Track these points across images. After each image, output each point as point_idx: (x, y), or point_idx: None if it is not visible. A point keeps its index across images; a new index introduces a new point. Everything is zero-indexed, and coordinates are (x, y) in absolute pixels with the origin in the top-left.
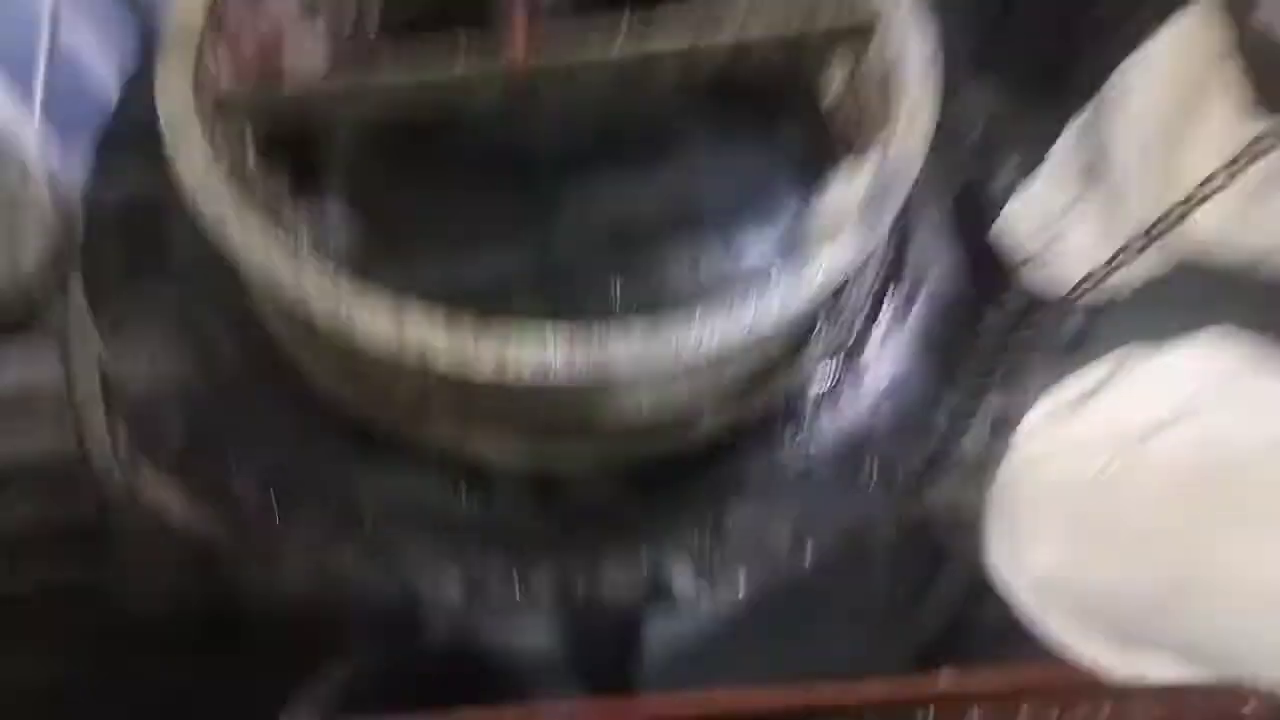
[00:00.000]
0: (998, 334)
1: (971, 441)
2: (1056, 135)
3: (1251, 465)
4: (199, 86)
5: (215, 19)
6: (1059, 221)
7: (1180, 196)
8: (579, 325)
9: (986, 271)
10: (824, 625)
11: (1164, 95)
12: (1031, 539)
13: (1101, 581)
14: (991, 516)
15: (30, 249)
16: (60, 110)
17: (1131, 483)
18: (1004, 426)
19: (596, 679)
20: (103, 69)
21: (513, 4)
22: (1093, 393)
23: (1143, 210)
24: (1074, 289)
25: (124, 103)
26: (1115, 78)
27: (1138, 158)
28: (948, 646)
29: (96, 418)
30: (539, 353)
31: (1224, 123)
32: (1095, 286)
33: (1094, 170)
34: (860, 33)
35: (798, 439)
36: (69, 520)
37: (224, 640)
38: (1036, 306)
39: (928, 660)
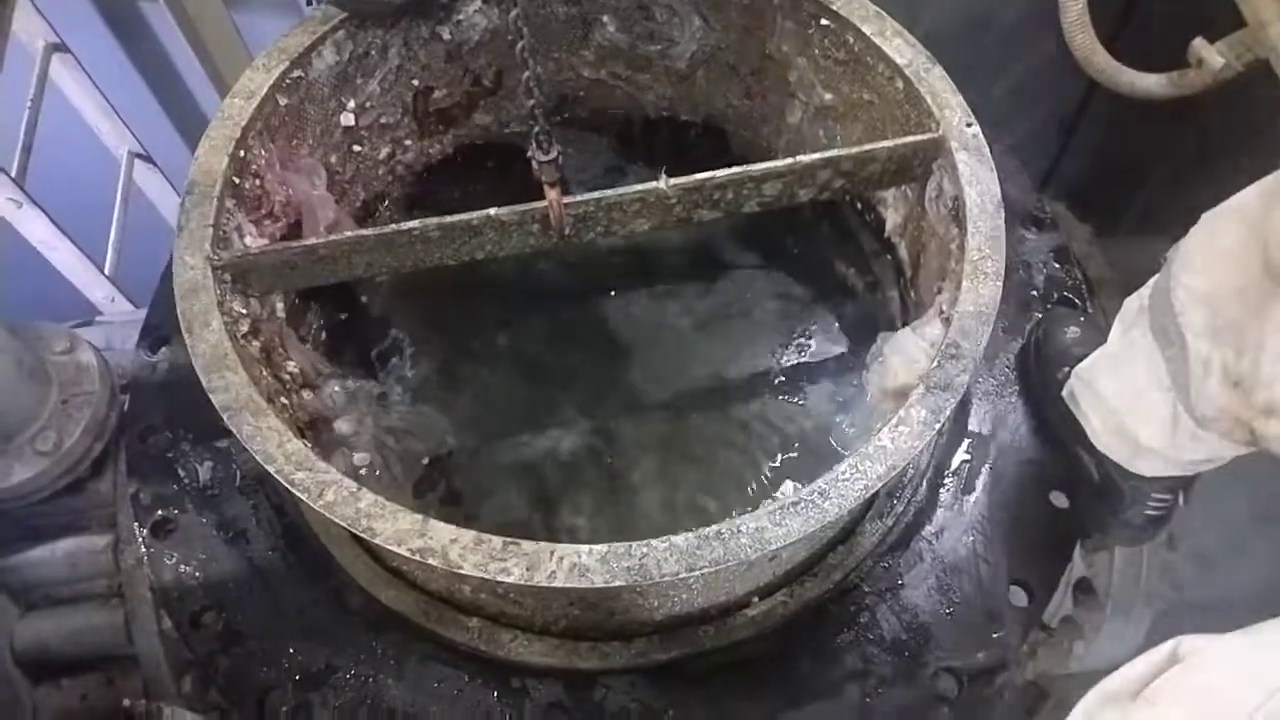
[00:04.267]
0: (1070, 514)
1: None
2: (1128, 280)
3: None
4: (217, 250)
5: (234, 184)
6: (1132, 394)
7: (1252, 394)
8: (615, 537)
9: (1057, 435)
10: None
11: (1230, 277)
12: None
13: None
14: None
15: (79, 420)
16: (129, 280)
17: None
18: (1087, 593)
19: None
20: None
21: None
22: (1144, 687)
23: (1215, 394)
24: (1149, 467)
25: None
26: (1184, 243)
27: (1208, 341)
28: None
29: (145, 605)
30: (571, 570)
31: None
32: (1169, 467)
33: (1169, 335)
34: (922, 160)
35: (851, 631)
36: (112, 705)
37: None
38: (1112, 480)
39: None
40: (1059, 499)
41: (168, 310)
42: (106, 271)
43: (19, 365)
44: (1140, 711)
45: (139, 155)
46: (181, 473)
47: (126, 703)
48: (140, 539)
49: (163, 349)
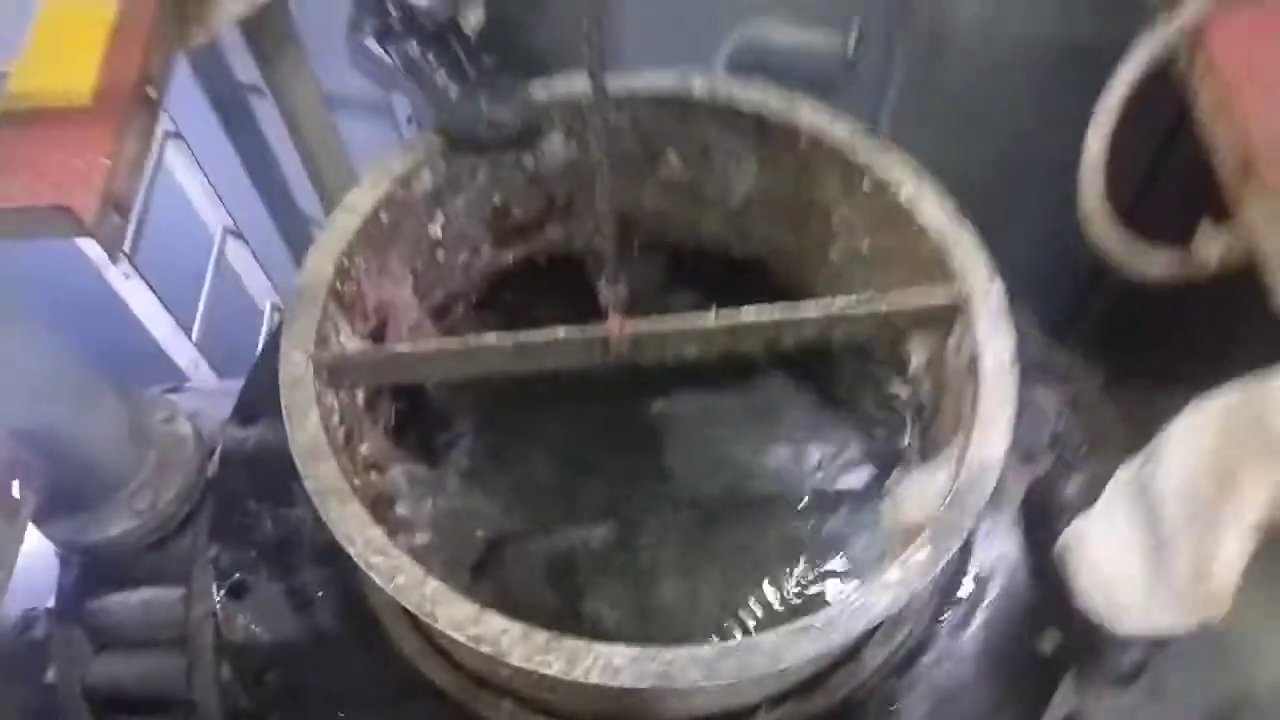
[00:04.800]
0: (1058, 656)
1: None
2: (1141, 431)
3: None
4: (319, 349)
5: (336, 290)
6: (1112, 561)
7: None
8: (646, 642)
9: (1051, 584)
10: None
11: (1204, 465)
12: None
13: None
14: None
15: (172, 484)
16: (214, 351)
17: None
18: None
19: None
20: (256, 321)
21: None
22: None
23: (1188, 568)
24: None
25: (265, 355)
26: (1168, 429)
27: (1184, 520)
28: None
29: (205, 655)
30: (605, 668)
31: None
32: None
33: (1150, 511)
34: (945, 316)
35: None
36: None
37: None
38: (1095, 632)
39: None
40: (1048, 642)
41: (259, 392)
42: (194, 339)
43: (127, 428)
44: None
45: (231, 231)
46: (259, 540)
47: None
48: (217, 598)
49: (252, 427)
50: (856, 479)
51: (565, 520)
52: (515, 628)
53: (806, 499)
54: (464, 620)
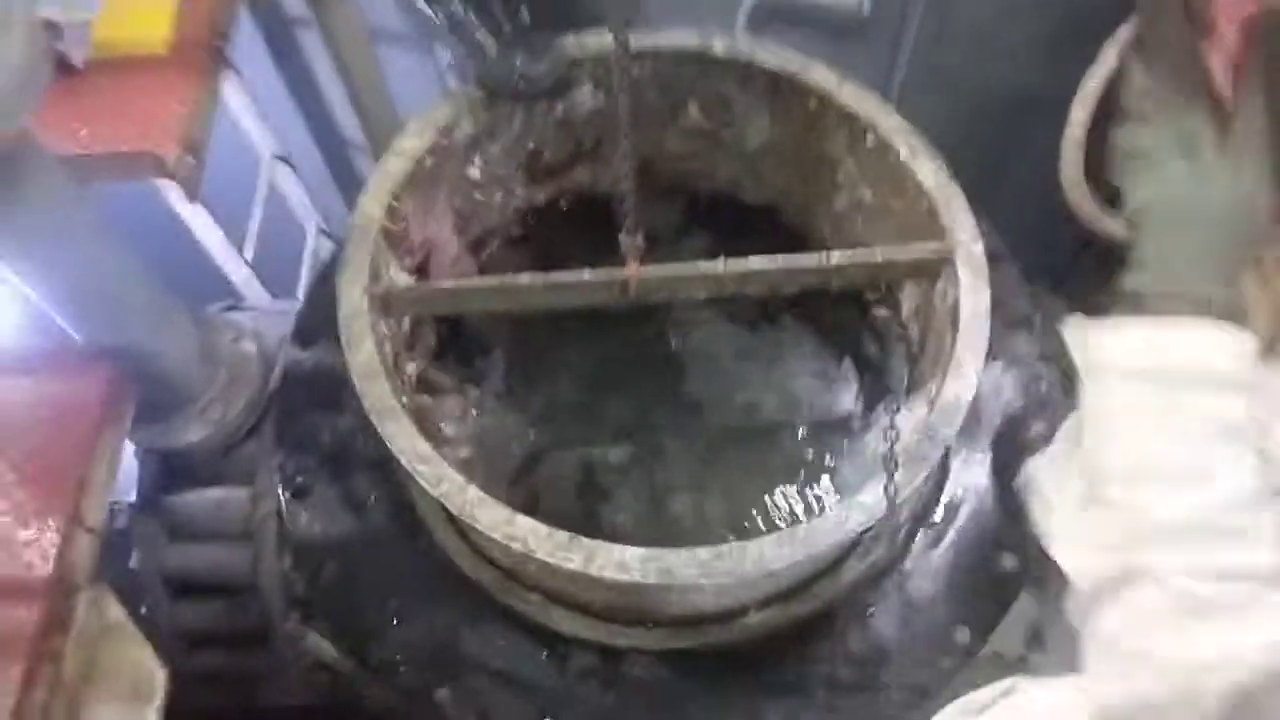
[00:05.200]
0: (1016, 574)
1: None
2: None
3: None
4: (373, 282)
5: (387, 229)
6: (1055, 508)
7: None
8: (654, 542)
9: (1013, 512)
10: None
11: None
12: None
13: None
14: None
15: (240, 398)
16: (263, 270)
17: None
18: (1036, 639)
19: None
20: (301, 241)
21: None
22: (981, 710)
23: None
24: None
25: (318, 283)
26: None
27: (1121, 477)
28: None
29: (269, 547)
30: (617, 564)
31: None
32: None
33: (1087, 466)
34: (933, 268)
35: (826, 645)
36: (236, 626)
37: None
38: (1048, 556)
39: None
40: (1009, 561)
41: (314, 318)
42: (247, 258)
43: (199, 348)
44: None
45: (279, 157)
46: (319, 449)
47: None
48: (281, 498)
49: (310, 348)
50: (850, 411)
51: (589, 439)
52: (541, 529)
53: (805, 428)
54: (499, 521)
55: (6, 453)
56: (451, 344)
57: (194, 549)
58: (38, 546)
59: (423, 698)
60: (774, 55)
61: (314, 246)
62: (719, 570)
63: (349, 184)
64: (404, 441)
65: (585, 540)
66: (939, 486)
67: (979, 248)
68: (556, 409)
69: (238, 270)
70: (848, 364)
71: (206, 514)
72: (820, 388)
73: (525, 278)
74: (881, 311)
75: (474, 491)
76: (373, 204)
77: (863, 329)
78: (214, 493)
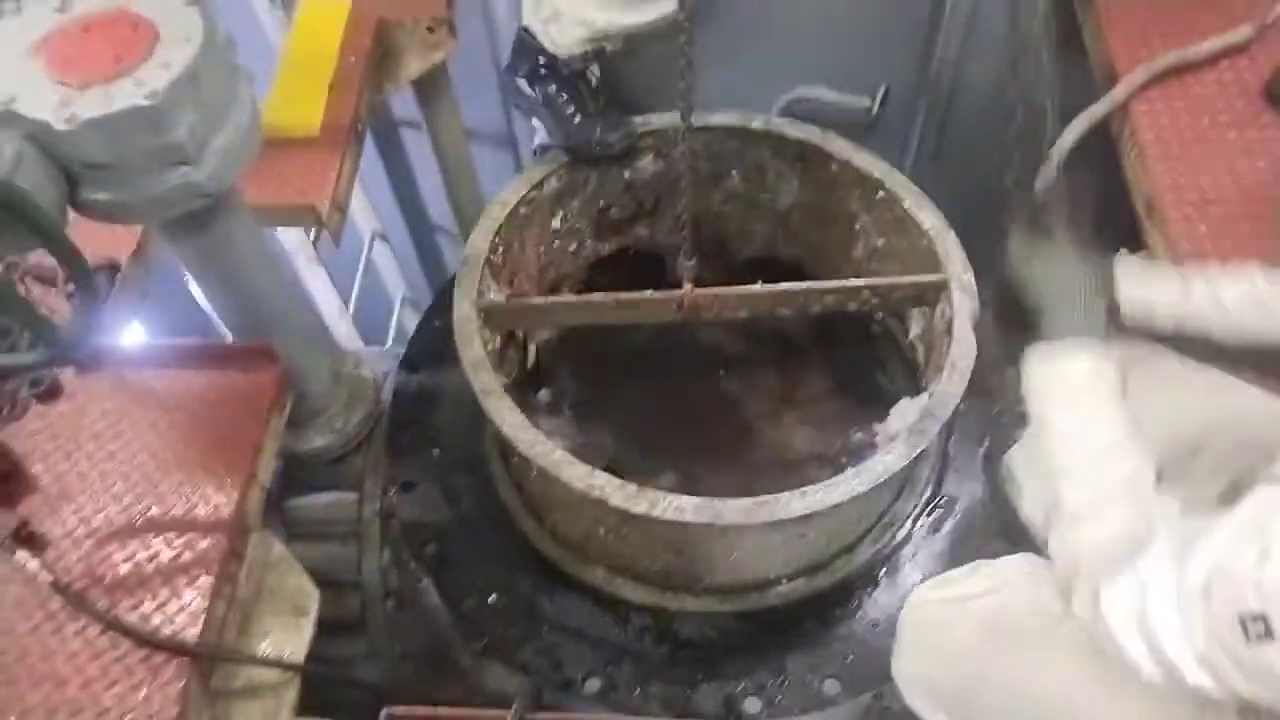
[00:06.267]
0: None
1: None
2: None
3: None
4: (479, 298)
5: (489, 260)
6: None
7: None
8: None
9: (1000, 504)
10: None
11: None
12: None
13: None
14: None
15: (358, 413)
16: (361, 327)
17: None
18: None
19: None
20: (390, 305)
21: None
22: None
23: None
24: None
25: (428, 318)
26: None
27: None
28: None
29: (373, 540)
30: (676, 509)
31: None
32: None
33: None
34: (934, 290)
35: (845, 610)
36: (339, 612)
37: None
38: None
39: None
40: (999, 546)
41: (418, 351)
42: (350, 313)
43: (331, 371)
44: (944, 586)
45: (379, 236)
46: (421, 454)
47: None
48: (391, 493)
49: (415, 374)
50: (864, 439)
51: (642, 468)
52: (615, 480)
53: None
54: (581, 475)
55: (206, 424)
56: (531, 375)
57: (306, 546)
58: (224, 495)
59: (507, 650)
60: (800, 129)
61: (398, 313)
62: (758, 516)
63: (430, 262)
64: (506, 414)
65: (650, 490)
66: (939, 484)
67: (969, 276)
68: (614, 437)
69: (343, 326)
70: (869, 381)
71: (318, 515)
72: (839, 428)
73: (599, 296)
74: (894, 339)
75: (560, 452)
76: (481, 239)
77: (876, 371)
78: (325, 496)
